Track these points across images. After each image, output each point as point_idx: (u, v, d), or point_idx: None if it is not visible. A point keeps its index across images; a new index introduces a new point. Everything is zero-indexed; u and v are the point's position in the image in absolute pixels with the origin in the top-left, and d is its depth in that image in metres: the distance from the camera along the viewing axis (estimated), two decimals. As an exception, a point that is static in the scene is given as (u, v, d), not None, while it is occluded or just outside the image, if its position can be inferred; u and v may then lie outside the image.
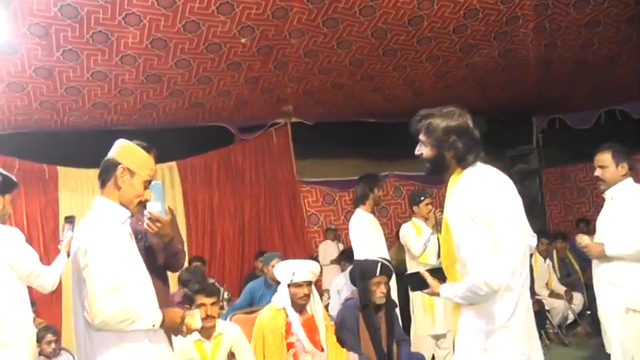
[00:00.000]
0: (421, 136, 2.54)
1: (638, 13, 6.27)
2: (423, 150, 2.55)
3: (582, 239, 3.85)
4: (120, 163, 2.49)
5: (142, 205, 2.59)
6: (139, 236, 2.88)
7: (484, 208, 2.32)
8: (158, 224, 2.71)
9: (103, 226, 2.39)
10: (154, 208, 2.69)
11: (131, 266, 2.45)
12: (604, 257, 3.62)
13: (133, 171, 2.50)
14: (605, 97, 8.89)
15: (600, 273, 3.75)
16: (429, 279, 2.54)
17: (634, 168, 3.79)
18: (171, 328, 2.54)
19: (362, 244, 5.27)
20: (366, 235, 5.31)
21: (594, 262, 3.83)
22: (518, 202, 2.50)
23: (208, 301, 3.77)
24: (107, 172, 2.52)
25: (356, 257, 5.22)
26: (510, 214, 2.41)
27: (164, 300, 2.77)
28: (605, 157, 3.77)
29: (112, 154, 2.54)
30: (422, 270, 2.64)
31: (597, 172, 3.81)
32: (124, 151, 2.54)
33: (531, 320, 2.49)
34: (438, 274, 2.56)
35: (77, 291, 2.41)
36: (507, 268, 2.31)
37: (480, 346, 2.37)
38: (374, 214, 5.64)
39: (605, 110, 9.32)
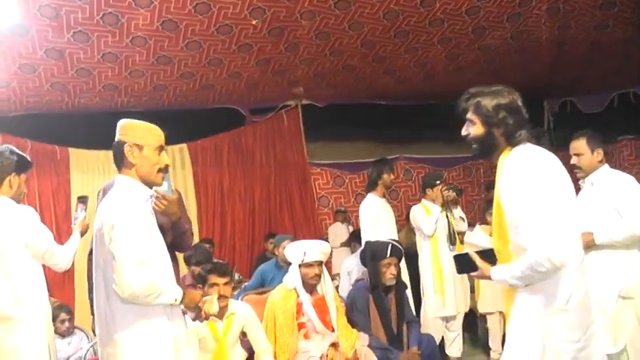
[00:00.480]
0: (469, 115, 2.51)
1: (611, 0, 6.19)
2: (471, 129, 2.51)
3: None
4: (125, 142, 2.56)
5: (165, 171, 2.65)
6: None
7: (540, 184, 2.26)
8: (165, 202, 2.73)
9: (127, 203, 2.47)
10: (161, 187, 2.71)
11: (155, 243, 2.54)
12: (593, 246, 3.58)
13: (139, 145, 2.56)
14: (619, 79, 8.79)
15: (589, 262, 3.72)
16: (479, 261, 2.46)
17: (608, 153, 3.80)
18: (190, 307, 2.63)
19: (370, 229, 5.32)
20: (375, 221, 5.37)
21: None
22: (569, 181, 2.43)
23: (221, 280, 3.79)
24: (118, 155, 2.60)
25: (364, 240, 5.25)
26: (564, 192, 2.36)
27: (176, 279, 2.80)
28: (580, 144, 3.78)
29: (117, 136, 2.61)
30: (471, 251, 2.54)
31: (573, 160, 3.81)
32: (125, 129, 2.60)
33: (590, 305, 2.40)
34: (487, 256, 2.48)
35: (100, 267, 2.48)
36: (568, 244, 2.25)
37: (535, 331, 2.31)
38: (385, 198, 5.68)
39: (618, 93, 9.23)
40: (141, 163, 2.56)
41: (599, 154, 3.71)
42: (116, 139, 2.60)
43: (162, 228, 2.95)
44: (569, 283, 2.28)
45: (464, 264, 2.54)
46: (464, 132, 2.55)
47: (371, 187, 5.61)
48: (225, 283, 3.82)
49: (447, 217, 5.33)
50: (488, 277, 2.43)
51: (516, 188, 2.29)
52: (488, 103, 2.42)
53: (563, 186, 2.37)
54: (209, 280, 3.78)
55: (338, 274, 7.25)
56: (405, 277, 5.27)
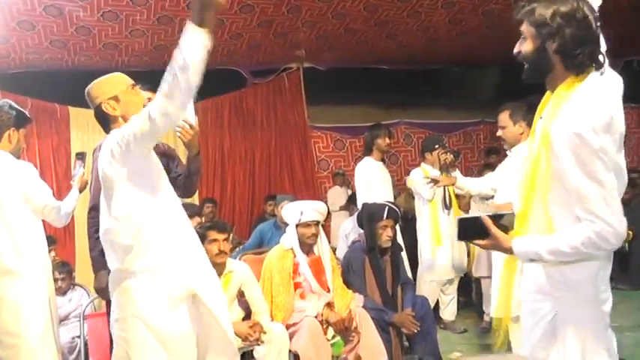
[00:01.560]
0: (522, 27, 2.00)
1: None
2: (523, 46, 2.02)
3: (490, 202, 3.89)
4: (100, 103, 2.52)
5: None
6: None
7: (612, 141, 1.84)
8: (191, 132, 2.73)
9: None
10: (190, 117, 2.71)
11: (163, 187, 2.52)
12: None
13: (113, 96, 2.52)
14: (625, 48, 8.73)
15: None
16: (493, 228, 2.01)
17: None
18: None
19: (364, 193, 5.34)
20: (369, 184, 5.38)
21: None
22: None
23: (221, 236, 3.81)
24: (101, 119, 2.57)
25: (359, 203, 5.28)
26: (621, 148, 1.93)
27: None
28: (503, 117, 3.86)
29: (90, 105, 2.58)
30: (483, 215, 2.06)
31: (498, 133, 3.90)
32: (91, 93, 2.56)
33: None
34: (499, 222, 2.06)
35: (107, 199, 2.43)
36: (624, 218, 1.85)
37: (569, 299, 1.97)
38: (384, 162, 5.69)
39: (624, 60, 9.17)
40: (125, 110, 2.50)
41: (521, 126, 3.80)
42: (92, 108, 2.57)
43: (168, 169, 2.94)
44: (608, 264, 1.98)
45: (470, 229, 2.07)
46: (515, 50, 2.06)
47: (367, 151, 5.62)
48: (224, 239, 3.85)
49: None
50: (505, 249, 2.01)
51: (580, 138, 1.79)
52: (543, 10, 1.91)
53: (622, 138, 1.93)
54: (208, 236, 3.77)
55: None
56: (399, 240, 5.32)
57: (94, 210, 3.18)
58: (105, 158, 2.38)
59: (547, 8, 1.91)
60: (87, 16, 5.91)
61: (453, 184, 4.77)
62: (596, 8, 2.04)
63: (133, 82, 2.59)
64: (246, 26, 6.80)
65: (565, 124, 1.84)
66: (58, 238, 6.03)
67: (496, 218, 2.05)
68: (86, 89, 2.58)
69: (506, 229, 2.04)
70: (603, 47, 2.01)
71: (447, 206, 5.39)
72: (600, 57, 1.93)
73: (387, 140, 5.58)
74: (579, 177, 1.81)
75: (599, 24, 1.93)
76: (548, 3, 1.92)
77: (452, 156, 5.35)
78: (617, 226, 1.79)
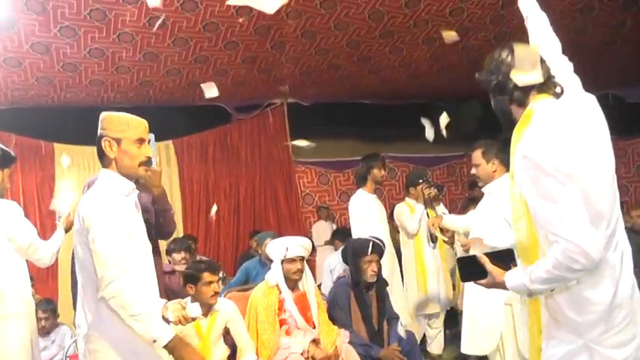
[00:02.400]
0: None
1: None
2: (492, 104, 2.17)
3: (460, 238, 3.93)
4: (104, 137, 2.46)
5: (148, 164, 2.55)
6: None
7: (565, 155, 1.81)
8: (149, 173, 2.69)
9: (108, 199, 2.38)
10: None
11: (136, 243, 2.46)
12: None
13: (117, 138, 2.45)
14: (599, 81, 8.92)
15: None
16: (489, 265, 1.99)
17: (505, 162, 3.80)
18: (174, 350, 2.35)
19: (358, 226, 5.25)
20: (362, 217, 5.28)
21: None
22: (608, 148, 1.95)
23: (214, 278, 3.80)
24: (99, 150, 2.50)
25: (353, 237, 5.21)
26: (600, 163, 1.90)
27: (157, 273, 2.75)
28: (476, 155, 3.91)
29: (98, 130, 2.52)
30: (479, 253, 2.04)
31: (473, 170, 3.95)
32: (103, 122, 2.51)
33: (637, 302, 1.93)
34: (499, 258, 2.01)
35: (81, 262, 2.42)
36: (604, 234, 1.82)
37: (578, 344, 1.88)
38: (375, 194, 5.62)
39: (598, 95, 9.34)
40: (120, 157, 2.46)
41: (494, 164, 3.84)
42: (97, 134, 2.51)
43: (145, 211, 2.92)
44: (611, 283, 1.85)
45: (469, 269, 2.05)
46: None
47: (360, 182, 5.44)
48: (218, 280, 3.86)
49: (428, 215, 5.36)
50: (502, 286, 1.97)
51: (532, 166, 1.82)
52: (482, 77, 2.17)
53: (599, 154, 1.90)
54: (203, 278, 3.74)
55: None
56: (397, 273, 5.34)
57: None
58: (79, 225, 2.40)
59: (482, 74, 2.15)
60: (74, 53, 5.96)
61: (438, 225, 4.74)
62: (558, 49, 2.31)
63: (144, 136, 2.53)
64: (230, 62, 6.88)
65: (517, 151, 1.89)
66: (39, 276, 5.98)
67: (494, 255, 2.02)
68: (103, 114, 2.54)
69: (507, 266, 1.99)
70: (560, 74, 2.09)
71: (432, 240, 5.38)
72: (540, 84, 1.98)
73: (383, 172, 5.44)
74: (535, 199, 1.82)
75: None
76: (484, 70, 2.14)
77: (435, 190, 5.40)
78: (582, 243, 1.71)
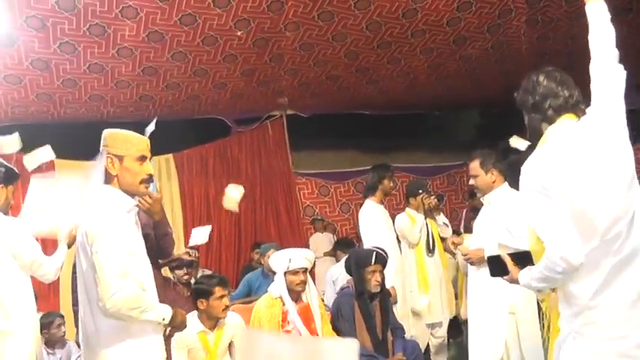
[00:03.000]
0: None
1: (629, 7, 6.33)
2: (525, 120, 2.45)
3: (461, 247, 3.91)
4: (106, 153, 2.49)
5: (149, 181, 2.58)
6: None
7: (557, 175, 2.08)
8: (149, 200, 2.74)
9: (110, 213, 2.39)
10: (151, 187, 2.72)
11: (138, 258, 2.47)
12: (483, 263, 3.65)
13: (119, 155, 2.47)
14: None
15: (479, 278, 3.80)
16: (510, 264, 2.33)
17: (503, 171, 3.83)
18: (179, 326, 2.58)
19: (369, 236, 5.19)
20: (374, 227, 5.22)
21: (470, 268, 3.91)
22: (616, 161, 2.14)
23: (225, 292, 3.82)
24: (102, 166, 2.50)
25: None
26: (594, 178, 2.09)
27: (159, 290, 2.74)
28: (474, 166, 3.86)
29: (100, 147, 2.54)
30: (504, 253, 2.39)
31: (471, 181, 3.92)
32: (106, 139, 2.53)
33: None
34: (520, 258, 2.32)
35: (85, 279, 2.42)
36: (586, 241, 2.04)
37: (570, 333, 2.15)
38: (383, 205, 5.57)
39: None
40: (122, 175, 2.47)
41: (493, 174, 3.78)
42: (100, 150, 2.53)
43: (145, 235, 2.95)
44: (595, 280, 2.06)
45: (496, 267, 2.42)
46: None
47: (369, 192, 5.40)
48: (228, 294, 3.87)
49: (427, 225, 5.36)
50: (517, 282, 2.30)
51: (528, 184, 2.16)
52: (520, 96, 2.42)
53: (593, 170, 2.10)
54: (215, 292, 3.74)
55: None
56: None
57: None
58: (81, 240, 2.43)
59: (520, 94, 2.40)
60: (73, 69, 5.98)
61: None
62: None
63: (145, 154, 2.55)
64: (229, 75, 6.91)
65: (521, 182, 2.20)
66: (41, 292, 5.95)
67: (517, 256, 2.34)
68: (106, 131, 2.56)
69: (525, 266, 2.26)
70: (599, 79, 2.37)
71: (431, 249, 5.36)
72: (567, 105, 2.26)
73: (392, 183, 5.43)
74: (530, 211, 2.15)
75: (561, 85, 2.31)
76: (521, 89, 2.40)
77: (435, 200, 5.40)
78: (562, 249, 2.01)
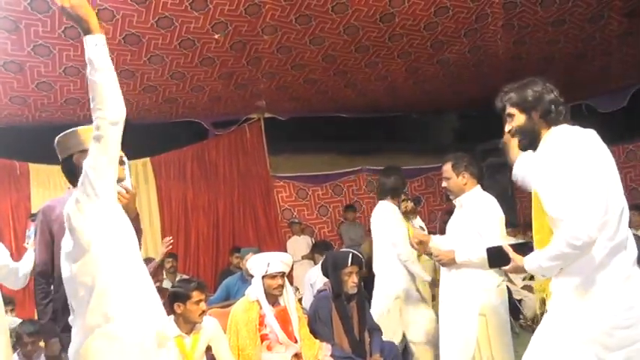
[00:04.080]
0: (508, 110, 2.63)
1: (600, 14, 6.43)
2: (513, 122, 2.61)
3: (433, 249, 3.93)
4: (71, 154, 2.41)
5: (121, 180, 2.52)
6: None
7: (573, 160, 2.31)
8: (127, 196, 2.73)
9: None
10: (127, 181, 2.72)
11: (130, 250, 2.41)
12: (454, 264, 3.74)
13: (86, 148, 2.30)
14: (572, 92, 9.07)
15: (450, 279, 3.85)
16: (512, 253, 2.50)
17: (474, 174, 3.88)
18: None
19: (394, 236, 4.92)
20: (392, 226, 5.00)
21: (443, 269, 3.96)
22: (610, 161, 2.43)
23: (203, 296, 3.80)
24: (69, 172, 2.43)
25: (397, 250, 4.86)
26: (602, 171, 2.36)
27: None
28: (446, 169, 3.94)
29: (60, 155, 2.45)
30: (504, 243, 2.58)
31: (444, 184, 3.99)
32: (63, 142, 2.45)
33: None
34: (520, 249, 2.52)
35: (69, 261, 2.27)
36: (599, 220, 2.25)
37: (574, 318, 2.33)
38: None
39: (571, 105, 9.53)
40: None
41: (464, 177, 3.85)
42: (62, 158, 2.42)
43: None
44: (600, 262, 2.30)
45: (496, 257, 2.58)
46: (507, 128, 2.65)
47: (388, 193, 5.16)
48: (205, 299, 3.86)
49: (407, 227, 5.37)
50: (522, 270, 2.47)
51: (547, 167, 2.36)
52: (521, 92, 2.57)
53: (600, 163, 2.37)
54: (193, 297, 3.72)
55: (297, 288, 7.26)
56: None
57: (41, 276, 3.10)
58: (71, 211, 2.24)
59: (523, 90, 2.57)
60: (48, 72, 5.90)
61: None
62: None
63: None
64: (207, 78, 6.88)
65: (538, 168, 2.44)
66: (16, 298, 5.89)
67: (516, 247, 2.53)
68: (58, 138, 2.45)
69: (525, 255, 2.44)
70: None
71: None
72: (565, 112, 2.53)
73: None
74: (551, 201, 2.33)
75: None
76: (522, 87, 2.59)
77: (412, 204, 5.43)
78: (586, 223, 2.19)
